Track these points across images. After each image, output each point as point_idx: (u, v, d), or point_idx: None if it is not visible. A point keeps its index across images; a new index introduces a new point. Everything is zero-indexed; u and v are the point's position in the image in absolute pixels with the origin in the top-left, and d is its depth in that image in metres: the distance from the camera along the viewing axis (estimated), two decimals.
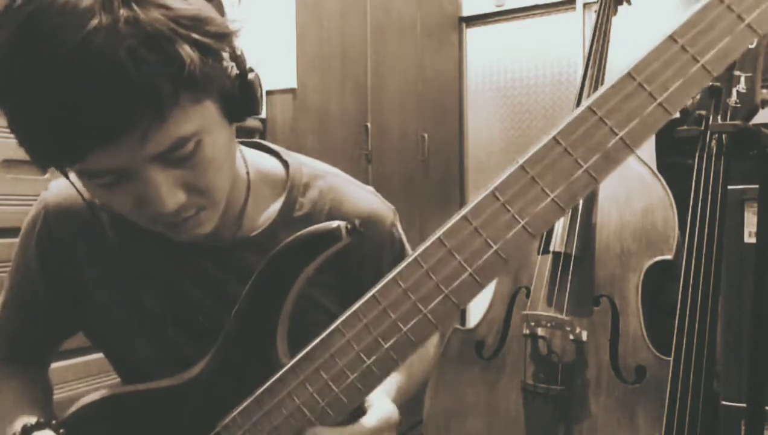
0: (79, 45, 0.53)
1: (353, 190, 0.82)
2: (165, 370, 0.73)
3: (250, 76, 0.66)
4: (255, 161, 0.81)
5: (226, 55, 0.63)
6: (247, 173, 0.79)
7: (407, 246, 0.86)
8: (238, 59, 0.65)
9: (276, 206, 0.79)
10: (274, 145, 0.85)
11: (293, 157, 0.83)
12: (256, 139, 0.87)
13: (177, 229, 0.68)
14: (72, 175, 0.70)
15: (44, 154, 0.60)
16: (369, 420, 0.67)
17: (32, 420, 0.75)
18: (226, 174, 0.69)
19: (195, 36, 0.58)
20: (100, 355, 1.49)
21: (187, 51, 0.57)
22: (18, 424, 0.74)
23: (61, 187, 0.81)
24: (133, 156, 0.59)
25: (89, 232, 0.78)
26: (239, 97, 0.66)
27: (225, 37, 0.62)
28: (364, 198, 0.82)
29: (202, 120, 0.62)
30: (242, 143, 0.82)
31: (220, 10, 0.64)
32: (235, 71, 0.65)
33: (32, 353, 0.88)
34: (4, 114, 0.59)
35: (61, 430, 0.74)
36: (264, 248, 0.73)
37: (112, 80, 0.54)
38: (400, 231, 0.85)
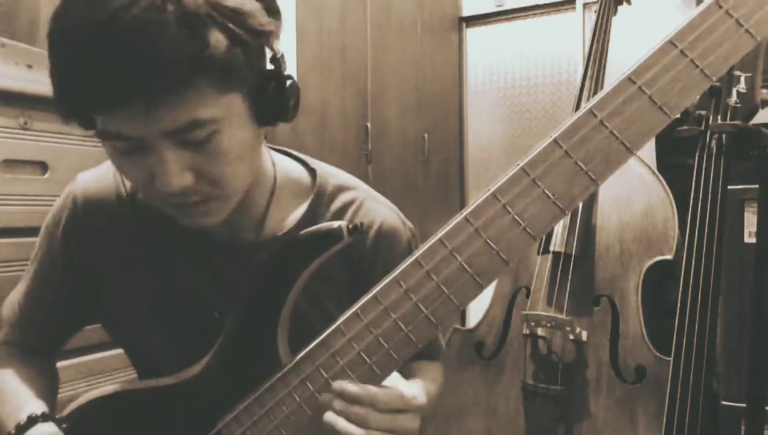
0: (119, 10, 0.56)
1: (375, 206, 0.83)
2: (179, 367, 0.74)
3: (288, 82, 0.67)
4: (283, 166, 0.82)
5: (266, 56, 0.64)
6: (274, 177, 0.80)
7: None
8: (277, 63, 0.66)
9: (300, 211, 0.80)
10: (300, 154, 0.86)
11: (321, 167, 0.84)
12: (284, 148, 0.87)
13: (184, 212, 0.69)
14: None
15: (72, 102, 0.62)
16: (401, 387, 0.66)
17: (37, 411, 0.75)
18: (242, 171, 0.69)
19: (230, 26, 0.60)
20: (101, 354, 1.50)
21: (217, 37, 0.59)
22: (23, 415, 0.75)
23: (88, 181, 0.82)
24: (143, 126, 0.60)
25: (114, 226, 0.80)
26: (272, 101, 0.66)
27: (262, 34, 0.63)
28: (384, 214, 0.83)
29: (225, 111, 0.63)
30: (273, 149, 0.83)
31: (272, 9, 0.65)
32: (271, 74, 0.66)
33: (49, 343, 0.89)
34: (51, 63, 0.62)
35: (63, 425, 0.75)
36: None
37: (135, 46, 0.56)
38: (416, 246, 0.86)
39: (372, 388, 0.62)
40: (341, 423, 0.61)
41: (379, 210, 0.83)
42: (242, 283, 0.77)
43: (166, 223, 0.77)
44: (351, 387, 0.62)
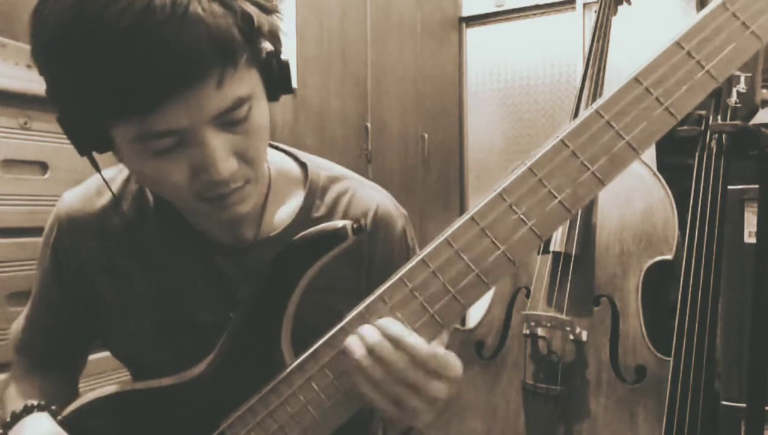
0: None
1: (369, 193, 0.84)
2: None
3: (283, 56, 0.68)
4: (274, 160, 0.82)
5: (264, 30, 0.65)
6: (268, 169, 0.79)
7: (416, 246, 0.87)
8: (275, 37, 0.67)
9: (294, 207, 0.80)
10: (287, 147, 0.86)
11: (310, 160, 0.84)
12: (271, 142, 0.87)
13: (222, 203, 0.67)
14: (108, 172, 0.74)
15: (121, 107, 0.58)
16: (444, 349, 0.60)
17: (34, 402, 0.76)
18: (265, 149, 0.70)
19: None
20: (101, 354, 1.49)
21: (250, 8, 0.60)
22: (19, 405, 0.76)
23: (73, 199, 0.82)
24: (194, 113, 0.59)
25: (100, 242, 0.79)
26: (278, 74, 0.67)
27: (277, 2, 0.65)
28: (378, 200, 0.83)
29: (254, 86, 0.64)
30: None
31: None
32: (270, 48, 0.66)
33: (56, 359, 0.89)
34: (68, 77, 0.59)
35: (59, 417, 0.74)
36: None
37: (189, 28, 0.55)
38: (412, 235, 0.86)
39: (416, 337, 0.57)
40: (368, 370, 0.57)
41: (372, 196, 0.83)
42: (243, 283, 0.77)
43: (159, 229, 0.78)
44: (395, 327, 0.58)
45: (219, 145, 0.62)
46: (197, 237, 0.77)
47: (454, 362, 0.60)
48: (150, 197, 0.80)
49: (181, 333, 0.78)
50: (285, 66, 0.68)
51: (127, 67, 0.55)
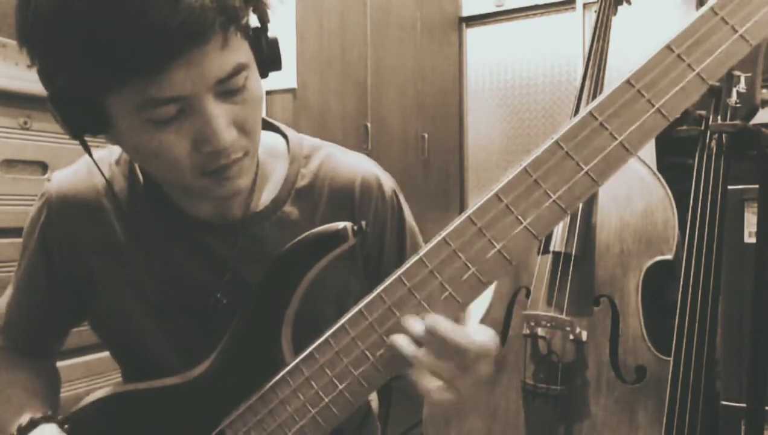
0: None
1: (352, 157, 0.85)
2: (173, 361, 0.74)
3: (270, 35, 0.69)
4: (263, 140, 0.81)
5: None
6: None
7: (408, 212, 0.87)
8: (262, 14, 0.68)
9: (279, 179, 0.80)
10: (271, 119, 0.87)
11: (292, 132, 0.85)
12: None
13: (223, 176, 0.67)
14: (97, 154, 0.74)
15: (130, 66, 0.58)
16: (476, 328, 0.62)
17: (39, 413, 0.76)
18: (261, 122, 0.71)
19: None
20: (101, 354, 1.50)
21: None
22: (25, 417, 0.75)
23: (64, 179, 0.81)
24: (197, 77, 0.60)
25: (93, 223, 0.79)
26: (268, 49, 0.69)
27: None
28: (363, 163, 0.84)
29: (249, 56, 0.66)
30: None
31: None
32: (257, 24, 0.67)
33: (40, 344, 0.89)
34: (69, 42, 0.58)
35: (66, 426, 0.75)
36: (271, 221, 0.76)
37: None
38: (402, 200, 0.87)
39: (463, 330, 0.58)
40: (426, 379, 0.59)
41: (358, 162, 0.84)
42: (235, 262, 0.77)
43: (149, 211, 0.78)
44: (444, 324, 0.59)
45: (220, 113, 0.63)
46: (186, 218, 0.77)
47: (491, 338, 0.62)
48: (140, 178, 0.79)
49: (174, 314, 0.78)
50: (274, 42, 0.69)
51: (136, 26, 0.56)
